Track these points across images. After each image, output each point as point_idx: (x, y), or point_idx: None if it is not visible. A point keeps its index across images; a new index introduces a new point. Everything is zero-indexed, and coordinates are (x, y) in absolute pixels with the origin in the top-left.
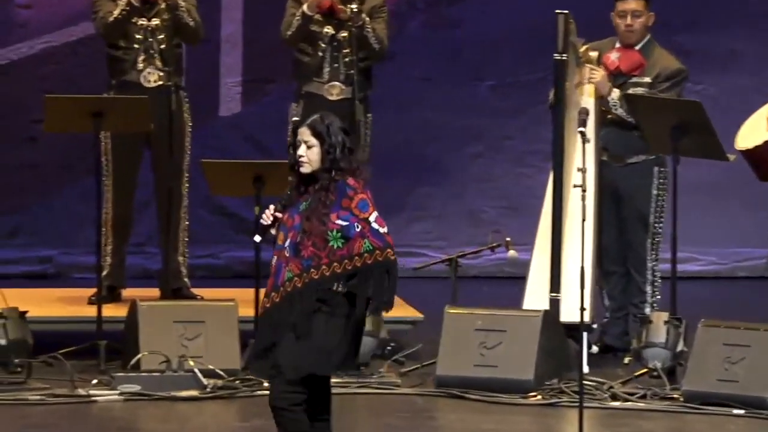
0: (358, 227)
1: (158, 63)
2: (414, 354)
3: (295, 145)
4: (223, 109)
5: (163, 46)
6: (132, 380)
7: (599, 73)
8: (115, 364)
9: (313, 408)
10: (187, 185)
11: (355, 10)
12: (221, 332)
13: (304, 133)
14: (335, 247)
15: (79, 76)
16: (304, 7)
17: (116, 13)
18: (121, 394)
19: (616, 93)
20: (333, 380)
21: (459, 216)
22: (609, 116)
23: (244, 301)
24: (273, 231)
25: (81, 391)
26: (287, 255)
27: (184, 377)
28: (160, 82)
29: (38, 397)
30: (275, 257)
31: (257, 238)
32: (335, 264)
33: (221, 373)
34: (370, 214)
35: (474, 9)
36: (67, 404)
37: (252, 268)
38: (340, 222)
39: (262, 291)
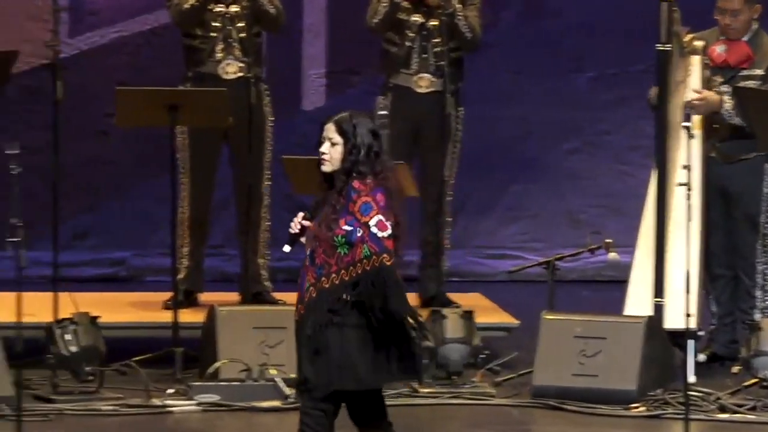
0: (359, 232)
1: (237, 53)
2: (509, 362)
3: (317, 141)
4: (306, 102)
5: (242, 35)
6: (210, 390)
7: (702, 100)
8: (192, 372)
9: (366, 417)
10: (267, 183)
11: None
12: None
13: (330, 130)
14: (342, 253)
15: (153, 68)
16: None
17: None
18: (198, 404)
19: (727, 103)
20: (425, 390)
21: (556, 216)
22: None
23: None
24: (303, 240)
25: (156, 402)
26: (307, 264)
27: (264, 387)
28: (240, 74)
29: (111, 408)
30: (302, 268)
31: (287, 248)
32: (342, 271)
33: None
34: (371, 218)
35: None
36: (141, 415)
37: None
38: (346, 227)
39: None
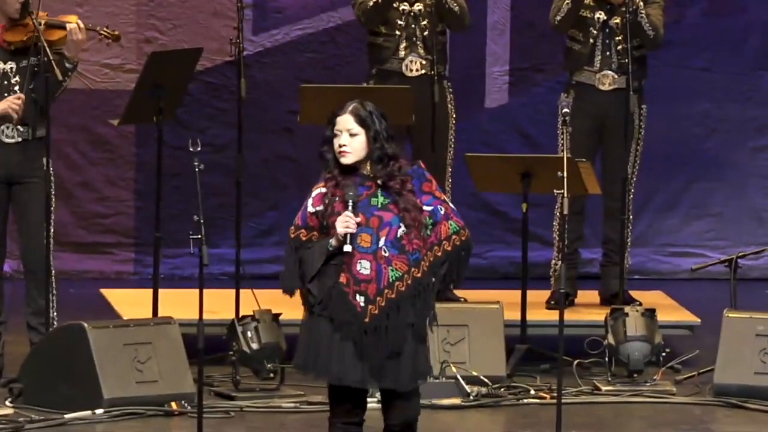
0: (442, 210)
1: (421, 51)
2: (690, 361)
3: (329, 137)
4: (489, 100)
5: (426, 33)
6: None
7: None
8: None
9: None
10: (450, 181)
11: None
12: (485, 337)
13: (347, 122)
14: (425, 235)
15: (338, 65)
16: None
17: None
18: (378, 401)
19: None
20: (606, 388)
21: (740, 214)
22: None
23: (510, 304)
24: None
25: None
26: (386, 255)
27: (445, 384)
28: (423, 71)
29: (292, 405)
30: (367, 262)
31: (348, 248)
32: (429, 253)
33: (485, 380)
34: (443, 194)
35: None
36: (322, 412)
37: (519, 268)
38: (426, 207)
39: (530, 293)
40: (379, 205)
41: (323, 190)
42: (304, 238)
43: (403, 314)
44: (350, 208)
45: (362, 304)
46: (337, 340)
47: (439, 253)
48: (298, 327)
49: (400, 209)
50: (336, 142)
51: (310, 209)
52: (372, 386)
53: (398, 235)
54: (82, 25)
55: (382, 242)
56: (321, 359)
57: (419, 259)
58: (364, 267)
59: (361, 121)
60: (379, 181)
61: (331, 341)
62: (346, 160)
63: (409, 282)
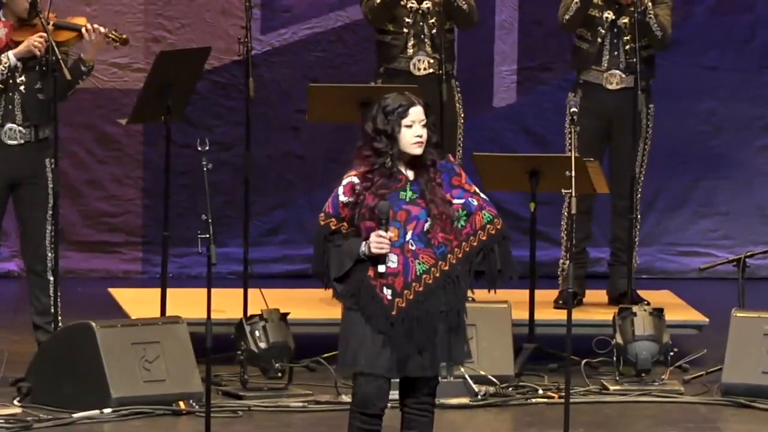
0: (474, 201)
1: (428, 49)
2: (698, 360)
3: (388, 131)
4: (497, 99)
5: (434, 31)
6: (397, 387)
7: None
8: None
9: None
10: None
11: None
12: (493, 336)
13: (420, 113)
14: (460, 226)
15: (346, 64)
16: None
17: None
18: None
19: None
20: (614, 387)
21: (747, 213)
22: None
23: (518, 303)
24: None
25: (345, 398)
26: (413, 248)
27: (453, 384)
28: (431, 70)
29: (300, 404)
30: (395, 255)
31: (383, 269)
32: (464, 244)
33: (493, 379)
34: (474, 186)
35: None
36: (330, 411)
37: (527, 267)
38: (457, 201)
39: (538, 292)
40: (407, 199)
41: (355, 179)
42: (333, 227)
43: (432, 305)
44: (383, 225)
45: (389, 297)
46: (368, 331)
47: (475, 243)
48: (306, 326)
49: (427, 202)
50: (410, 133)
51: (342, 198)
52: (399, 376)
53: (425, 229)
54: (101, 29)
55: (409, 236)
56: (353, 351)
57: (445, 253)
58: (391, 260)
59: (426, 113)
60: (410, 175)
61: (363, 332)
62: (420, 150)
63: (437, 275)
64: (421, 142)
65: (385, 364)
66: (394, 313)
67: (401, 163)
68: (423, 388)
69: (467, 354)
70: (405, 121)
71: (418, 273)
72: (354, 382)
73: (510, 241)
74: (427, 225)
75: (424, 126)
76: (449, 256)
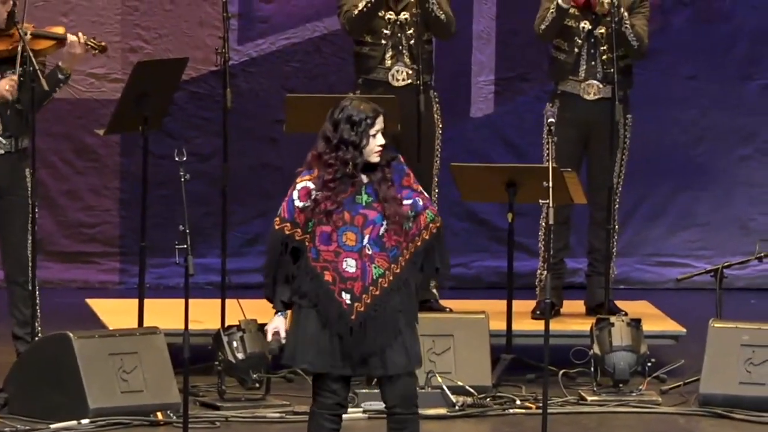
0: (420, 201)
1: (407, 60)
2: (676, 371)
3: (356, 141)
4: (474, 109)
5: (412, 42)
6: (376, 397)
7: None
8: (358, 380)
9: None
10: (436, 190)
11: (615, 4)
12: (471, 347)
13: (381, 121)
14: (408, 228)
15: (323, 75)
16: None
17: (361, 5)
18: (364, 411)
19: None
20: (592, 398)
21: (726, 224)
22: None
23: (496, 314)
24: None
25: None
26: (370, 252)
27: (431, 394)
28: (409, 81)
29: (278, 415)
30: (353, 260)
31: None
32: (410, 245)
33: (471, 390)
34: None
35: (745, 1)
36: (308, 422)
37: (505, 278)
38: (407, 201)
39: (516, 303)
40: (364, 203)
41: (310, 185)
42: (288, 232)
43: (389, 307)
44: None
45: (348, 302)
46: (325, 333)
47: (419, 243)
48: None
49: (381, 202)
50: (374, 142)
51: (298, 204)
52: (360, 374)
53: (380, 233)
54: (82, 39)
55: (365, 240)
56: (309, 350)
57: (397, 255)
58: (349, 265)
59: (383, 120)
60: (363, 178)
61: (320, 334)
62: (379, 159)
63: (391, 278)
64: (382, 151)
65: (345, 365)
66: (353, 317)
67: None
68: (395, 388)
69: (420, 357)
70: (372, 131)
71: (374, 277)
72: (314, 383)
73: (443, 237)
74: (382, 229)
75: (382, 134)
76: (400, 258)
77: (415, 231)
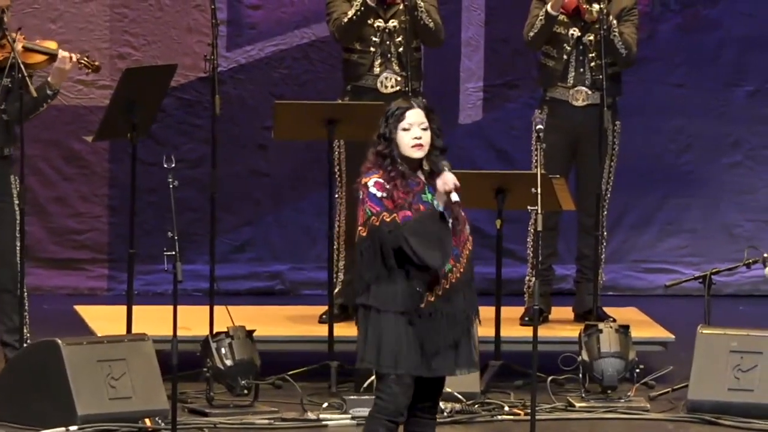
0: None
1: (396, 67)
2: (664, 377)
3: (386, 133)
4: (463, 116)
5: (401, 50)
6: (365, 403)
7: None
8: (347, 386)
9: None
10: None
11: (605, 12)
12: None
13: (419, 116)
14: (463, 232)
15: (312, 81)
16: (548, 6)
17: (351, 13)
18: (353, 418)
19: None
20: (580, 405)
21: (714, 230)
22: None
23: (484, 320)
24: None
25: (311, 415)
26: None
27: None
28: (398, 88)
29: (266, 421)
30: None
31: (455, 197)
32: (464, 250)
33: (459, 396)
34: None
35: (733, 9)
36: (296, 428)
37: (493, 284)
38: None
39: (504, 309)
40: (430, 201)
41: (380, 179)
42: (388, 219)
43: (456, 304)
44: (447, 169)
45: (419, 289)
46: (402, 333)
47: (471, 246)
48: (272, 343)
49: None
50: (408, 135)
51: (379, 194)
52: (427, 374)
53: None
54: (74, 57)
55: None
56: (391, 353)
57: (459, 255)
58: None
59: (429, 116)
60: (423, 179)
61: (396, 333)
62: (420, 154)
63: (458, 275)
64: (421, 145)
65: (413, 364)
66: (422, 306)
67: (410, 167)
68: (435, 389)
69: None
70: (402, 124)
71: (445, 270)
72: (382, 387)
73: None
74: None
75: (424, 129)
76: (461, 258)
77: (464, 238)
